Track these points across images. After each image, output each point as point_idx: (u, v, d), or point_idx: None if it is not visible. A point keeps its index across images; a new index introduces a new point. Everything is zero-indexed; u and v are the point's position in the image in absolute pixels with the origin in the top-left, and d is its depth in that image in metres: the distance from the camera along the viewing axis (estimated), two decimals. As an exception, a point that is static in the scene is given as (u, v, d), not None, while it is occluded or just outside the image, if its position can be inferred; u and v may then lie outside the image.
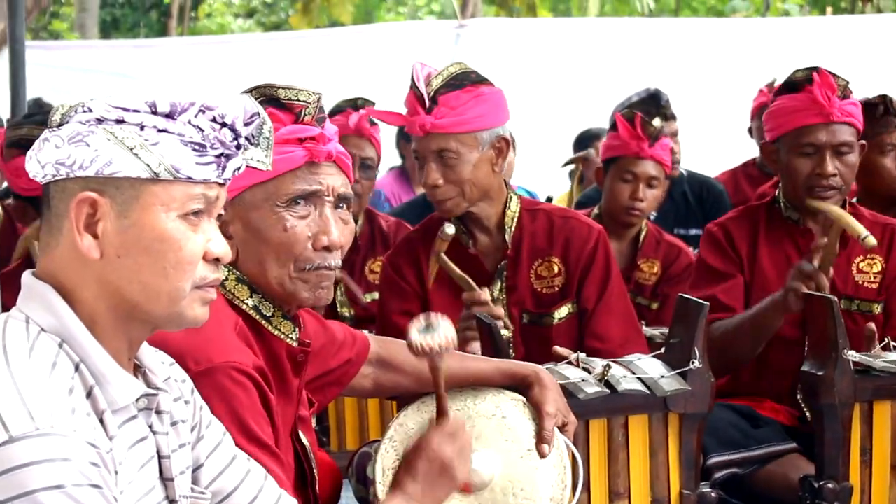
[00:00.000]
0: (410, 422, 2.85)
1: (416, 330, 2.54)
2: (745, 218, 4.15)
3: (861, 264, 4.00)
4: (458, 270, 3.72)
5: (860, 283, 4.01)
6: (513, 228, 3.87)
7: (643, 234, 5.03)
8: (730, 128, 4.27)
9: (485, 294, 3.67)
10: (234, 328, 2.51)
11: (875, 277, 4.03)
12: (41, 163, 1.92)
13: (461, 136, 3.71)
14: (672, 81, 7.62)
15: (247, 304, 2.57)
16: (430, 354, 2.53)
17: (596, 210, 5.05)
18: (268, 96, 2.58)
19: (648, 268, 5.02)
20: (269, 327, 2.59)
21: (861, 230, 3.71)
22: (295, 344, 2.62)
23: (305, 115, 2.58)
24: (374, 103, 2.74)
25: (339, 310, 4.93)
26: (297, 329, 2.64)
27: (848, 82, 3.98)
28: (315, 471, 2.73)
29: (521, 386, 2.89)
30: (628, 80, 8.01)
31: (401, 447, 2.81)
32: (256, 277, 2.57)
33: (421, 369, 2.92)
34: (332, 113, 4.96)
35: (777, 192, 4.15)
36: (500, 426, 2.82)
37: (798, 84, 4.00)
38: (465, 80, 3.70)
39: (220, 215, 2.01)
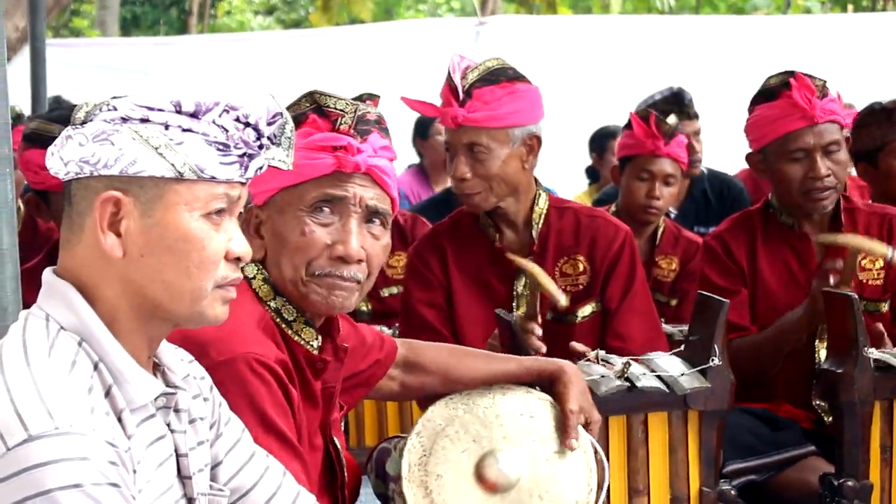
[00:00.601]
0: (438, 417, 2.85)
1: None
2: (741, 227, 4.11)
3: (864, 261, 3.96)
4: (544, 290, 3.66)
5: (864, 281, 3.97)
6: (540, 225, 3.86)
7: (661, 230, 5.02)
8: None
9: (538, 330, 3.63)
10: (260, 322, 2.51)
11: (878, 274, 4.00)
12: (64, 160, 1.91)
13: (493, 131, 3.71)
14: (692, 79, 7.58)
15: (269, 306, 2.57)
16: None
17: (613, 208, 5.04)
18: (313, 102, 2.59)
19: (667, 264, 5.01)
20: (290, 332, 2.58)
21: (886, 250, 3.68)
22: (315, 352, 2.61)
23: (341, 124, 2.56)
24: (378, 97, 2.73)
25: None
26: (318, 338, 2.63)
27: (825, 81, 3.95)
28: (346, 474, 2.72)
29: (547, 382, 2.88)
30: (648, 77, 7.99)
31: (428, 443, 2.81)
32: (277, 278, 2.57)
33: (446, 369, 2.93)
34: None
35: (770, 198, 4.12)
36: (528, 426, 2.81)
37: (775, 91, 3.97)
38: (501, 76, 3.69)
39: (241, 214, 2.00)
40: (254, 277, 2.57)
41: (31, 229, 5.12)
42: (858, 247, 3.72)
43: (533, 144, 3.79)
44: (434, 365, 2.97)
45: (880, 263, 3.97)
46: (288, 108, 2.57)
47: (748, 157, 4.13)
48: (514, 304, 3.82)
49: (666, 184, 4.91)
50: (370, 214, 2.58)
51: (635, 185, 4.91)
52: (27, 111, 6.44)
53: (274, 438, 2.41)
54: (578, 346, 3.40)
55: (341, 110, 2.58)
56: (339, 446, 2.71)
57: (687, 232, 5.15)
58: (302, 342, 2.59)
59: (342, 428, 4.39)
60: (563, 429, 2.80)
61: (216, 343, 2.33)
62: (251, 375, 2.39)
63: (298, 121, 2.56)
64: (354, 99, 2.64)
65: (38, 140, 4.25)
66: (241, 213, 2.01)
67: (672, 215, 5.64)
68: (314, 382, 2.62)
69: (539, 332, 3.58)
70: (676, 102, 5.81)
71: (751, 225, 4.10)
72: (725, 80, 9.31)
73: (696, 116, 6.08)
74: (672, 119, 4.96)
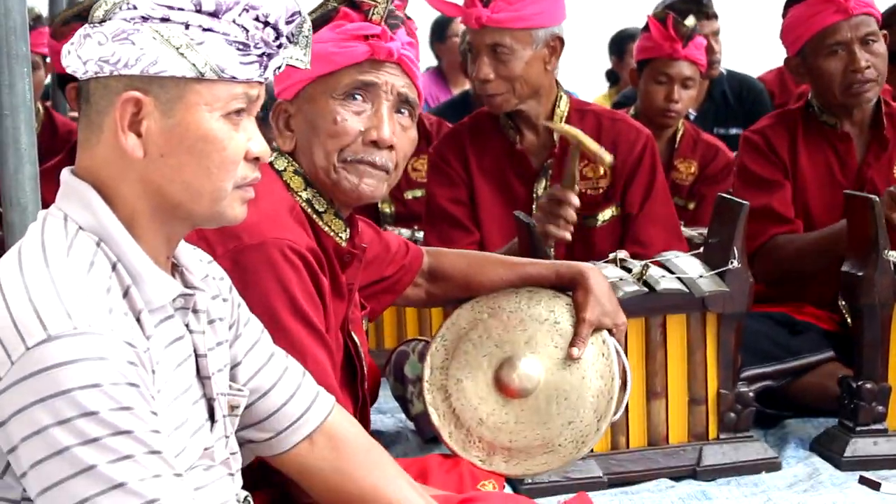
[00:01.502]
0: (463, 321, 2.84)
1: None
2: (782, 124, 4.08)
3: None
4: (572, 171, 3.62)
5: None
6: None
7: (680, 133, 4.98)
8: (774, 24, 4.18)
9: (575, 200, 3.59)
10: (291, 211, 2.52)
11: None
12: (82, 59, 1.89)
13: (516, 32, 3.71)
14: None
15: (300, 197, 2.57)
16: None
17: (632, 111, 5.00)
18: None
19: (685, 168, 4.98)
20: (320, 222, 2.58)
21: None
22: (344, 244, 2.61)
23: (374, 14, 2.56)
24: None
25: (379, 205, 4.92)
26: (348, 230, 2.62)
27: None
28: (365, 370, 2.72)
29: (569, 287, 2.86)
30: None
31: (451, 346, 2.81)
32: (309, 168, 2.57)
33: (466, 275, 2.92)
34: None
35: (810, 97, 4.08)
36: (552, 331, 2.79)
37: None
38: None
39: (259, 113, 1.98)
40: (284, 170, 2.58)
41: (49, 130, 5.10)
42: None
43: (556, 46, 3.77)
44: (455, 271, 2.97)
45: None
46: (318, 7, 2.60)
47: (786, 63, 4.10)
48: (533, 206, 3.80)
49: (684, 87, 4.87)
50: (400, 103, 2.58)
51: (653, 89, 4.87)
52: (45, 11, 6.38)
53: (301, 324, 2.42)
54: (622, 253, 3.38)
55: (373, 1, 2.57)
56: (358, 343, 2.70)
57: (706, 135, 5.11)
58: (332, 233, 2.59)
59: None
60: (574, 336, 2.78)
61: (248, 227, 2.32)
62: (282, 260, 2.40)
63: (329, 16, 2.58)
64: None
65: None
66: (259, 112, 1.99)
67: (691, 117, 5.59)
68: (341, 275, 2.62)
69: (577, 201, 3.56)
70: (694, 2, 5.73)
71: (792, 122, 4.07)
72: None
73: (714, 16, 6.00)
74: (690, 20, 4.89)
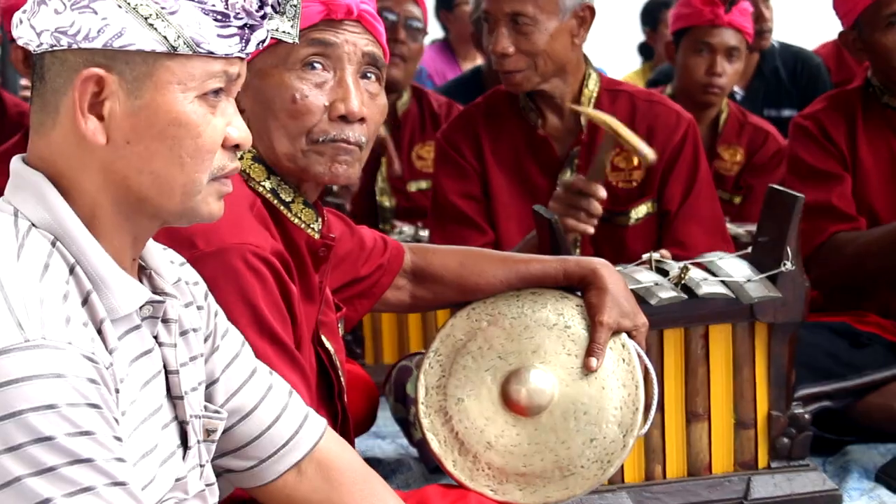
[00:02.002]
0: (458, 331, 2.82)
1: None
2: (838, 108, 4.08)
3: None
4: (602, 162, 3.60)
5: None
6: None
7: (724, 116, 4.98)
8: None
9: (602, 192, 3.58)
10: (252, 208, 2.49)
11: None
12: (36, 29, 1.88)
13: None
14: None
15: (263, 187, 2.54)
16: None
17: (668, 90, 4.99)
18: None
19: (730, 156, 4.98)
20: (289, 214, 2.55)
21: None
22: (317, 236, 2.59)
23: None
24: None
25: (378, 198, 4.92)
26: (319, 219, 2.60)
27: None
28: (342, 380, 2.70)
29: (577, 286, 2.84)
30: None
31: (447, 362, 2.79)
32: (268, 154, 2.53)
33: (459, 276, 2.89)
34: None
35: (869, 75, 4.08)
36: (562, 338, 2.77)
37: None
38: None
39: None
40: (241, 158, 2.53)
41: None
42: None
43: (585, 16, 3.76)
44: (446, 271, 2.94)
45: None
46: None
47: (841, 37, 4.10)
48: (557, 199, 3.78)
49: (729, 58, 4.85)
50: (366, 66, 2.53)
51: (693, 61, 4.86)
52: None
53: (269, 342, 2.39)
54: (664, 252, 3.38)
55: None
56: (330, 349, 2.67)
57: (754, 117, 5.11)
58: (302, 225, 2.57)
59: (354, 340, 4.42)
60: (590, 344, 2.76)
61: (204, 232, 2.30)
62: (245, 268, 2.36)
63: None
64: None
65: None
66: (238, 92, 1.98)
67: (738, 97, 5.58)
68: (313, 275, 2.60)
69: (603, 194, 3.54)
70: None
71: (849, 105, 4.06)
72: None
73: None
74: None
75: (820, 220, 3.85)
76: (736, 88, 5.36)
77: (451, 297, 2.92)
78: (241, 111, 2.42)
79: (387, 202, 4.96)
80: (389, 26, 4.89)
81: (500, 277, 2.85)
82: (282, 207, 2.54)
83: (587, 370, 2.72)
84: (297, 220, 2.56)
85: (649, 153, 3.50)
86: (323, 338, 2.66)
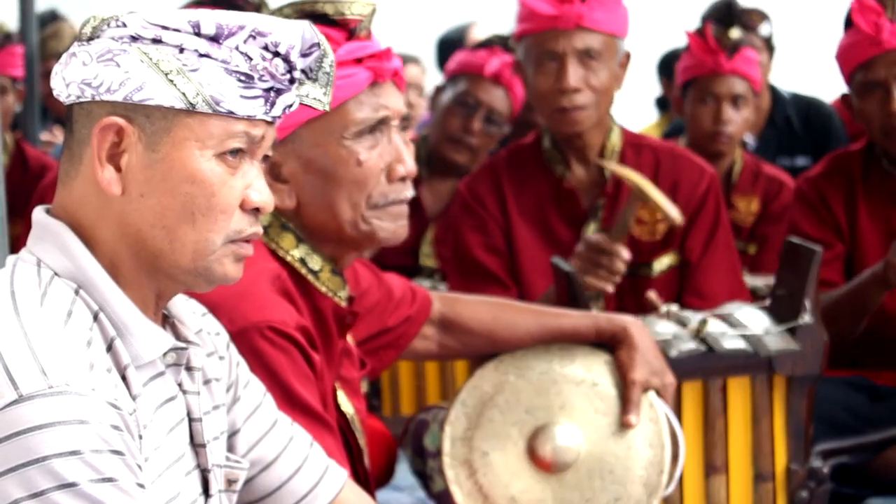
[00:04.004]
0: (486, 384, 2.82)
1: None
2: (838, 173, 4.01)
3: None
4: (626, 219, 3.58)
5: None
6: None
7: (738, 166, 4.97)
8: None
9: (625, 253, 3.56)
10: (275, 282, 2.47)
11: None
12: (66, 80, 1.89)
13: (607, 37, 3.67)
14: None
15: (292, 256, 2.54)
16: None
17: (681, 143, 4.98)
18: (310, 13, 2.47)
19: (745, 206, 4.96)
20: (317, 283, 2.55)
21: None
22: (344, 304, 2.59)
23: (361, 30, 2.51)
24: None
25: (421, 261, 4.89)
26: (346, 287, 2.61)
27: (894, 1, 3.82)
28: (362, 444, 2.69)
29: (609, 344, 2.85)
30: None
31: (474, 414, 2.79)
32: (322, 224, 2.53)
33: (489, 327, 2.89)
34: (476, 46, 4.92)
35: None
36: (590, 394, 2.78)
37: (848, 14, 3.86)
38: None
39: (265, 157, 1.97)
40: (268, 225, 2.53)
41: (19, 165, 5.12)
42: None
43: (625, 63, 3.74)
44: (475, 322, 2.94)
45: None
46: None
47: (842, 100, 4.04)
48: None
49: (735, 106, 4.82)
50: (402, 121, 2.56)
51: (699, 111, 4.84)
52: (14, 26, 6.41)
53: (301, 414, 2.38)
54: (653, 295, 3.36)
55: (358, 14, 2.50)
56: (348, 413, 2.65)
57: (768, 166, 5.08)
58: (329, 293, 2.57)
59: (371, 392, 4.41)
60: (624, 403, 2.76)
61: (226, 309, 2.29)
62: (269, 346, 2.37)
63: None
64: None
65: None
66: (266, 156, 1.97)
67: (750, 147, 5.57)
68: (337, 342, 2.60)
69: (627, 255, 3.53)
70: (726, 12, 5.60)
71: (849, 169, 3.99)
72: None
73: (752, 28, 5.84)
74: (735, 32, 4.86)
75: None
76: (748, 138, 5.34)
77: (481, 348, 2.92)
78: (284, 183, 2.44)
79: (430, 262, 4.93)
80: (465, 112, 4.87)
81: (532, 331, 2.86)
82: (310, 276, 2.55)
83: (626, 426, 2.73)
84: (324, 289, 2.56)
85: (677, 216, 3.49)
86: (342, 400, 2.65)
